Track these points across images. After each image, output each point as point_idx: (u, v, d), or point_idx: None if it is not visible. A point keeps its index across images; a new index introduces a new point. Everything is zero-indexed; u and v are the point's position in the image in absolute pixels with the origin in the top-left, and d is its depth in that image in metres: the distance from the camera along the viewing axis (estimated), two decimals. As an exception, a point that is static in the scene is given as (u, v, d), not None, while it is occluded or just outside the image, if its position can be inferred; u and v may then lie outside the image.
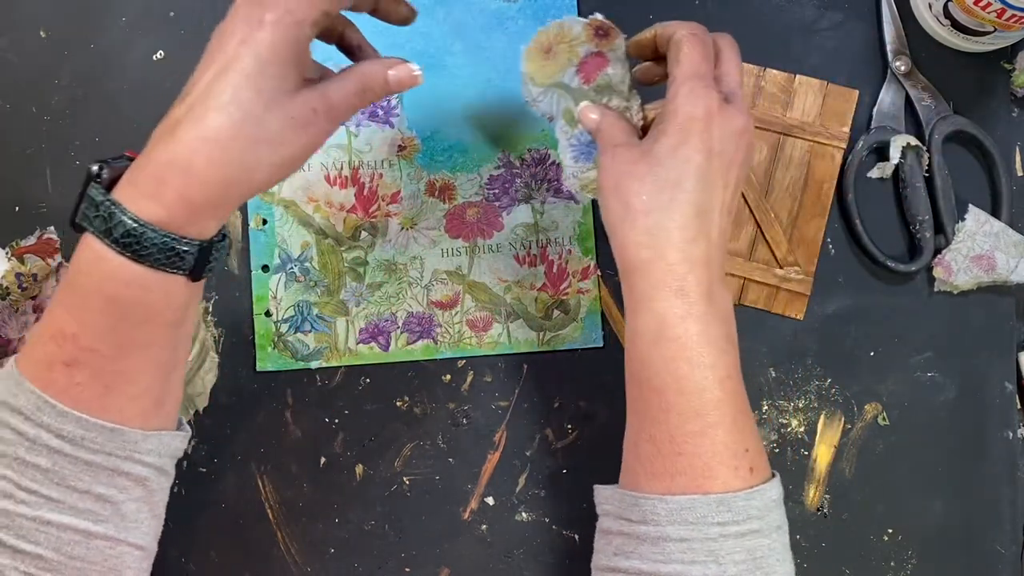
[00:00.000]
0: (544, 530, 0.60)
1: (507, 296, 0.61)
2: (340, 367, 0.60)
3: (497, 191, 0.62)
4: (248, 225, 0.61)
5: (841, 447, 0.61)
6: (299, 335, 0.60)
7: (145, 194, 0.41)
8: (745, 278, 0.61)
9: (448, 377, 0.61)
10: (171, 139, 0.41)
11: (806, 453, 0.61)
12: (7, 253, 0.60)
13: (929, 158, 0.61)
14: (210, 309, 0.60)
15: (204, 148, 0.41)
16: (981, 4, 0.57)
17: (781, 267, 0.61)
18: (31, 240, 0.60)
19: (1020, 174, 0.63)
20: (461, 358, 0.61)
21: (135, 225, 0.41)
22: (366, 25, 0.51)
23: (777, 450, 0.61)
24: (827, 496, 0.60)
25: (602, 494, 0.48)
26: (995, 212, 0.62)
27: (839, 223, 0.62)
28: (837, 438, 0.61)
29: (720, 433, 0.44)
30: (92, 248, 0.42)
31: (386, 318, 0.61)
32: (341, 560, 0.59)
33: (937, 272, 0.61)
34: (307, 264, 0.61)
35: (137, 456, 0.44)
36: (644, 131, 0.50)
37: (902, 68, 0.62)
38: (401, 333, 0.61)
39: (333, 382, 0.61)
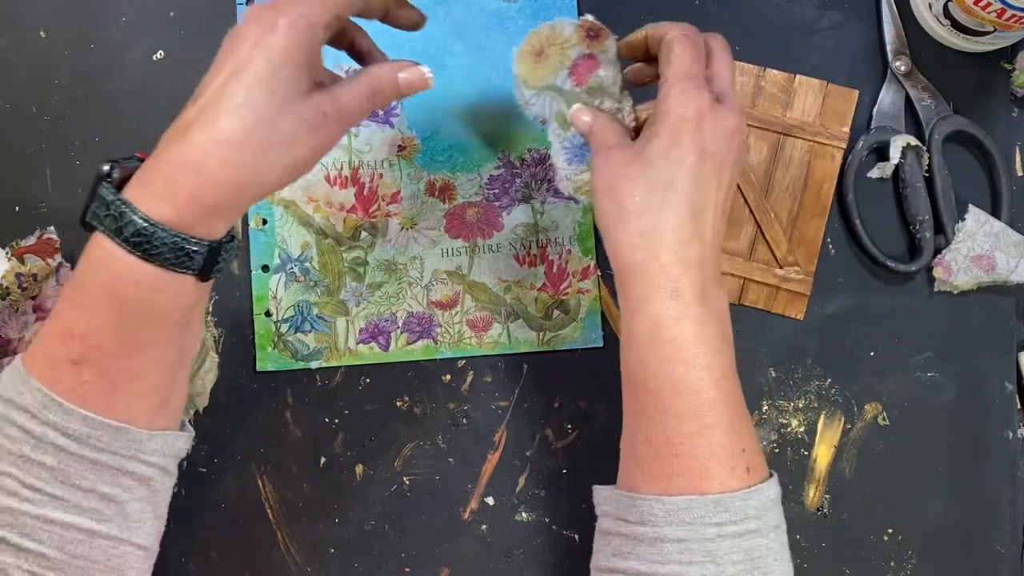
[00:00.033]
0: (544, 530, 0.60)
1: (507, 296, 0.61)
2: (340, 367, 0.60)
3: (497, 191, 0.62)
4: (248, 225, 0.61)
5: (841, 447, 0.61)
6: (299, 335, 0.60)
7: (156, 194, 0.41)
8: (745, 278, 0.61)
9: (448, 377, 0.61)
10: (183, 141, 0.42)
11: (806, 453, 0.61)
12: (7, 253, 0.60)
13: (929, 158, 0.61)
14: (210, 309, 0.60)
15: (216, 150, 0.41)
16: (981, 4, 0.57)
17: (781, 267, 0.61)
18: (31, 240, 0.60)
19: (1020, 174, 0.63)
20: (461, 358, 0.61)
21: (146, 224, 0.41)
22: (367, 24, 0.51)
23: (777, 450, 0.61)
24: (827, 496, 0.60)
25: (600, 495, 0.48)
26: (995, 212, 0.62)
27: (839, 223, 0.62)
28: (837, 438, 0.61)
29: (717, 434, 0.44)
30: (102, 247, 0.42)
31: (386, 318, 0.61)
32: (341, 560, 0.59)
33: (937, 272, 0.61)
34: (307, 264, 0.61)
35: (142, 456, 0.44)
36: (637, 132, 0.49)
37: (902, 68, 0.62)
38: (401, 333, 0.61)
39: (333, 382, 0.61)
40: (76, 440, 0.42)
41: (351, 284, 0.61)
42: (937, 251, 0.61)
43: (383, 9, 0.50)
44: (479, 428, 0.60)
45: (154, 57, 0.62)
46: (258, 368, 0.60)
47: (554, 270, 0.61)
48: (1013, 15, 0.56)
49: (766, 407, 0.61)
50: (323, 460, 0.60)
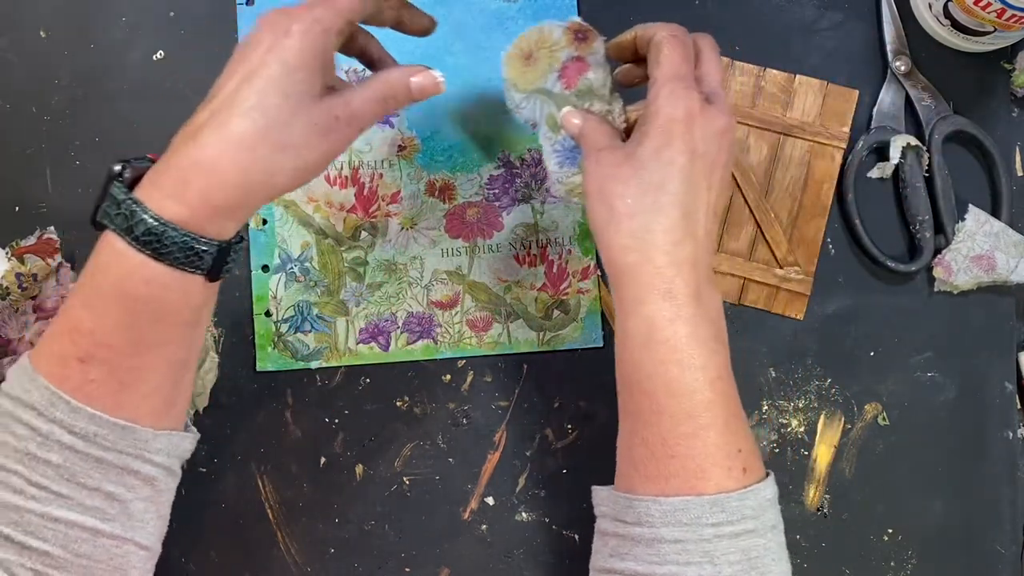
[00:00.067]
0: (544, 530, 0.60)
1: (507, 296, 0.61)
2: (340, 367, 0.60)
3: (497, 191, 0.62)
4: (248, 225, 0.61)
5: (841, 447, 0.61)
6: (299, 335, 0.60)
7: (167, 194, 0.42)
8: (745, 278, 0.61)
9: (448, 377, 0.61)
10: (194, 142, 0.42)
11: (806, 453, 0.61)
12: (7, 253, 0.60)
13: (929, 158, 0.61)
14: (210, 309, 0.60)
15: (228, 151, 0.42)
16: (981, 4, 0.57)
17: (781, 267, 0.61)
18: (31, 240, 0.60)
19: (1020, 174, 0.63)
20: (461, 358, 0.61)
21: (156, 223, 0.41)
22: (377, 31, 0.51)
23: (777, 450, 0.61)
24: (827, 496, 0.60)
25: (598, 496, 0.48)
26: (995, 212, 0.62)
27: (839, 223, 0.62)
28: (837, 438, 0.61)
29: (712, 434, 0.44)
30: (112, 246, 0.42)
31: (386, 318, 0.61)
32: (341, 560, 0.59)
33: (937, 272, 0.61)
34: (307, 264, 0.61)
35: (147, 455, 0.45)
36: (627, 133, 0.49)
37: (902, 68, 0.62)
38: (401, 333, 0.61)
39: (333, 382, 0.61)
40: (82, 438, 0.43)
41: (351, 284, 0.61)
42: (937, 251, 0.61)
43: (395, 17, 0.50)
44: (479, 428, 0.60)
45: (154, 57, 0.62)
46: (258, 368, 0.60)
47: (554, 270, 0.61)
48: (1013, 15, 0.56)
49: (766, 407, 0.61)
50: (323, 460, 0.60)
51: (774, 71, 0.62)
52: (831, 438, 0.61)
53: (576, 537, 0.59)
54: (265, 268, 0.61)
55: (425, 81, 0.47)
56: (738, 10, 0.63)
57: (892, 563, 0.60)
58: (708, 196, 0.46)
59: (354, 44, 0.51)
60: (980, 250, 0.60)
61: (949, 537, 0.60)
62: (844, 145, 0.62)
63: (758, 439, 0.60)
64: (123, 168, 0.43)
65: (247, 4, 0.62)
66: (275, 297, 0.61)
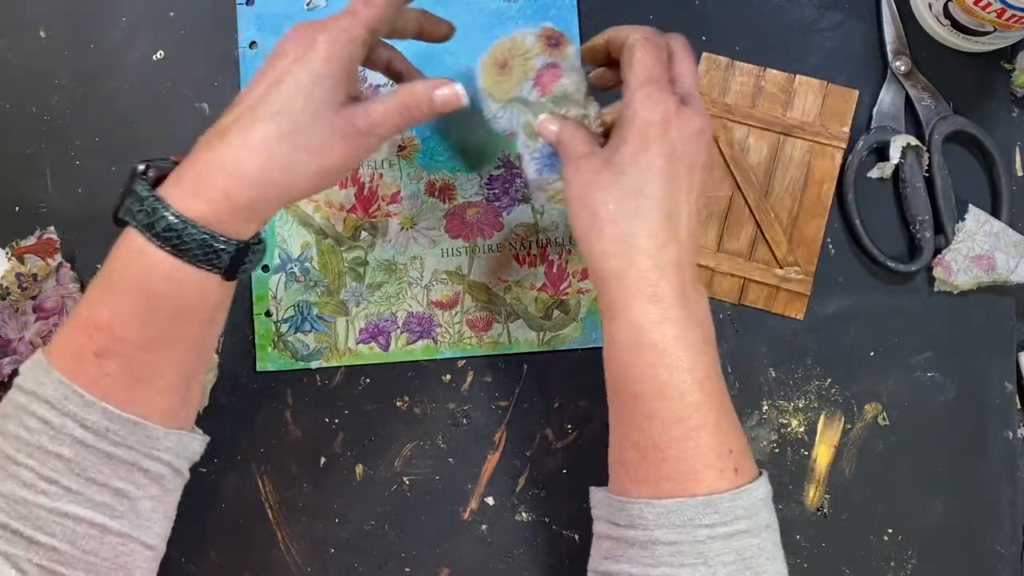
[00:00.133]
0: (544, 530, 0.60)
1: (507, 296, 0.61)
2: (340, 367, 0.60)
3: (497, 191, 0.62)
4: (248, 225, 0.61)
5: (841, 447, 0.61)
6: (299, 335, 0.60)
7: (189, 192, 0.43)
8: (745, 278, 0.61)
9: (448, 377, 0.61)
10: (219, 143, 0.44)
11: (806, 453, 0.61)
12: (7, 253, 0.60)
13: (929, 158, 0.61)
14: (210, 309, 0.60)
15: (250, 152, 0.43)
16: (981, 4, 0.57)
17: (781, 267, 0.61)
18: (31, 240, 0.60)
19: (1020, 174, 0.63)
20: (461, 358, 0.61)
21: (177, 220, 0.42)
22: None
23: (777, 450, 0.61)
24: (827, 496, 0.60)
25: (594, 497, 0.48)
26: (995, 212, 0.62)
27: (839, 223, 0.62)
28: (837, 438, 0.61)
29: (703, 436, 0.44)
30: (133, 242, 0.43)
31: (386, 318, 0.61)
32: (341, 560, 0.59)
33: (937, 272, 0.61)
34: (307, 264, 0.61)
35: (156, 453, 0.45)
36: (605, 135, 0.49)
37: (902, 68, 0.62)
38: (401, 333, 0.61)
39: (333, 382, 0.61)
40: (94, 432, 0.43)
41: (351, 284, 0.61)
42: (937, 251, 0.61)
43: (416, 28, 0.52)
44: (479, 428, 0.60)
45: (154, 57, 0.62)
46: (258, 368, 0.60)
47: (554, 270, 0.61)
48: (1013, 15, 0.56)
49: (766, 407, 0.61)
50: (323, 460, 0.60)
51: (774, 71, 0.62)
52: (831, 438, 0.61)
53: (576, 537, 0.59)
54: (265, 268, 0.61)
55: (448, 94, 0.48)
56: (738, 10, 0.63)
57: (892, 563, 0.60)
58: (689, 197, 0.46)
59: (378, 58, 0.53)
60: (980, 250, 0.60)
61: (949, 537, 0.60)
62: (844, 145, 0.62)
63: (758, 439, 0.60)
64: (147, 167, 0.45)
65: (247, 4, 0.62)
66: (275, 297, 0.61)
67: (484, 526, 0.60)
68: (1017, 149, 0.63)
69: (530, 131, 0.50)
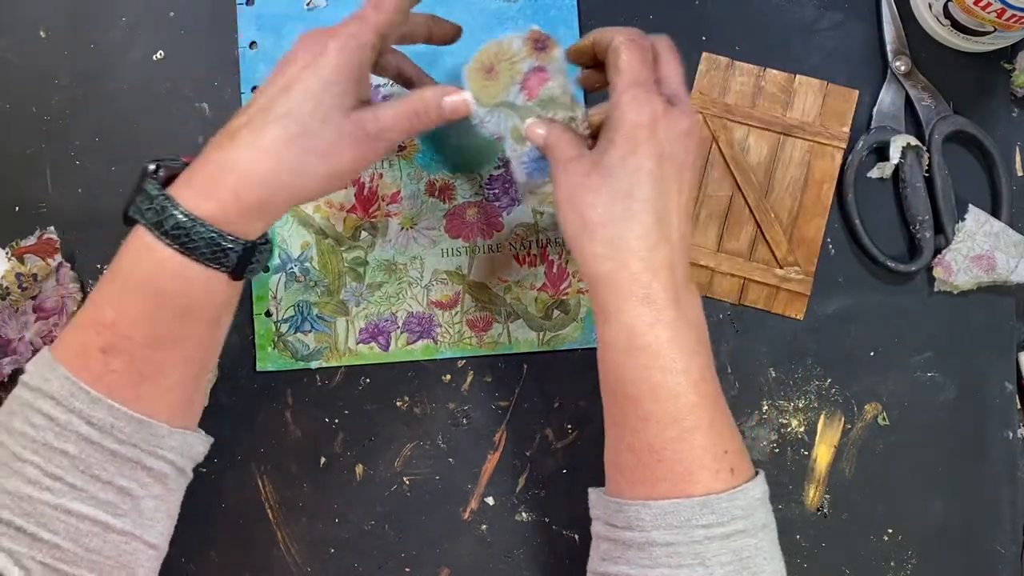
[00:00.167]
0: (544, 530, 0.60)
1: (507, 296, 0.61)
2: (340, 367, 0.60)
3: (497, 191, 0.62)
4: (248, 225, 0.61)
5: (841, 447, 0.61)
6: (299, 335, 0.60)
7: (198, 192, 0.44)
8: (745, 278, 0.61)
9: (448, 377, 0.61)
10: (228, 145, 0.44)
11: (806, 453, 0.61)
12: (7, 253, 0.60)
13: (929, 158, 0.61)
14: (210, 309, 0.60)
15: (259, 153, 0.44)
16: (981, 4, 0.57)
17: (781, 267, 0.61)
18: (31, 240, 0.60)
19: (1020, 174, 0.63)
20: (461, 358, 0.61)
21: (186, 219, 0.43)
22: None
23: (777, 450, 0.61)
24: (827, 496, 0.60)
25: (592, 498, 0.48)
26: (995, 212, 0.62)
27: (839, 223, 0.62)
28: (837, 438, 0.61)
29: (698, 437, 0.44)
30: (142, 240, 0.44)
31: (386, 318, 0.61)
32: (341, 560, 0.59)
33: (937, 272, 0.61)
34: (307, 264, 0.61)
35: (160, 452, 0.45)
36: (593, 136, 0.50)
37: (902, 68, 0.62)
38: (401, 333, 0.61)
39: (333, 382, 0.61)
40: (99, 429, 0.43)
41: (351, 284, 0.61)
42: (937, 251, 0.61)
43: (426, 33, 0.53)
44: (479, 428, 0.60)
45: (154, 57, 0.62)
46: (258, 368, 0.60)
47: (554, 270, 0.61)
48: (1013, 15, 0.56)
49: (766, 407, 0.61)
50: (323, 460, 0.60)
51: (774, 71, 0.62)
52: (831, 438, 0.61)
53: (576, 537, 0.59)
54: (265, 268, 0.61)
55: (457, 101, 0.48)
56: (738, 10, 0.63)
57: (892, 563, 0.60)
58: (679, 198, 0.46)
59: (388, 64, 0.53)
60: (980, 250, 0.60)
61: (949, 537, 0.60)
62: (844, 145, 0.62)
63: (758, 439, 0.60)
64: (157, 167, 0.45)
65: (247, 4, 0.62)
66: (275, 297, 0.61)
67: (484, 526, 0.60)
68: (1017, 149, 0.63)
69: (518, 135, 0.50)
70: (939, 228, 0.61)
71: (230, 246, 0.44)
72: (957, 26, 0.60)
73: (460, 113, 0.49)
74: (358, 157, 0.46)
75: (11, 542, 0.42)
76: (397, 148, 0.62)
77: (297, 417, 0.60)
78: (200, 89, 0.62)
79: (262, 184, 0.44)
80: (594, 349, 0.60)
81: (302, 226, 0.61)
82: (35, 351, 0.59)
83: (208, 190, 0.44)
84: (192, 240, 0.43)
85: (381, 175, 0.61)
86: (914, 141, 0.61)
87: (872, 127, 0.62)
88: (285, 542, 0.59)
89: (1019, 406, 0.62)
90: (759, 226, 0.61)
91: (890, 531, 0.60)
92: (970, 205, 0.61)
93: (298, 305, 0.61)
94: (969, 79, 0.63)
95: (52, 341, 0.56)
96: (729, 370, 0.61)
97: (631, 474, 0.45)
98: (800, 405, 0.61)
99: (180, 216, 0.43)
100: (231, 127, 0.45)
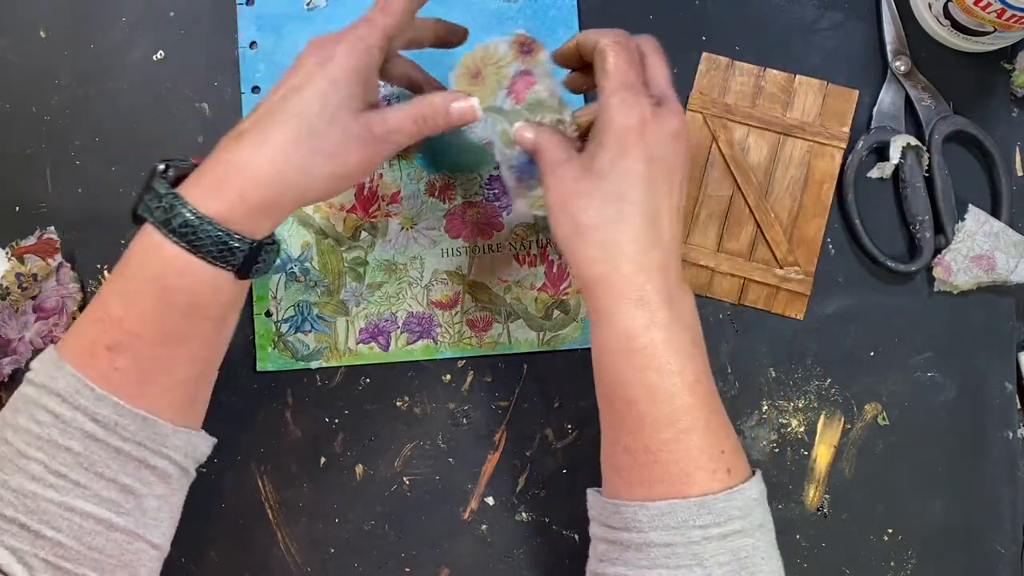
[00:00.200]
0: (544, 530, 0.60)
1: (507, 296, 0.61)
2: (340, 367, 0.60)
3: (497, 191, 0.62)
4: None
5: (841, 447, 0.61)
6: (299, 335, 0.60)
7: (206, 191, 0.44)
8: (745, 278, 0.61)
9: (448, 377, 0.61)
10: (236, 145, 0.45)
11: (806, 453, 0.61)
12: (7, 253, 0.60)
13: (929, 158, 0.61)
14: (210, 309, 0.60)
15: (267, 154, 0.44)
16: (981, 4, 0.57)
17: (781, 267, 0.61)
18: (31, 240, 0.60)
19: (1020, 174, 0.63)
20: (461, 358, 0.61)
21: (193, 217, 0.43)
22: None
23: (777, 450, 0.61)
24: (827, 496, 0.60)
25: (589, 499, 0.48)
26: (995, 212, 0.62)
27: (839, 223, 0.62)
28: (837, 438, 0.61)
29: (694, 438, 0.44)
30: (150, 237, 0.44)
31: (386, 318, 0.61)
32: (341, 560, 0.59)
33: (937, 272, 0.61)
34: (307, 264, 0.61)
35: (164, 451, 0.46)
36: (582, 137, 0.50)
37: (902, 68, 0.62)
38: (401, 333, 0.61)
39: (333, 382, 0.61)
40: (104, 427, 0.44)
41: (351, 284, 0.61)
42: (937, 251, 0.61)
43: (433, 36, 0.53)
44: (479, 428, 0.60)
45: (154, 57, 0.62)
46: (258, 368, 0.60)
47: (554, 270, 0.61)
48: (1013, 15, 0.56)
49: (766, 407, 0.61)
50: (323, 460, 0.60)
51: (774, 71, 0.62)
52: (831, 438, 0.61)
53: (576, 537, 0.59)
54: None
55: (464, 107, 0.49)
56: (738, 10, 0.63)
57: (892, 563, 0.60)
58: (670, 199, 0.46)
59: (398, 71, 0.54)
60: (980, 250, 0.60)
61: (949, 537, 0.60)
62: (844, 145, 0.62)
63: (758, 439, 0.60)
64: (167, 167, 0.46)
65: (247, 4, 0.62)
66: (275, 297, 0.61)
67: (484, 526, 0.60)
68: (1017, 149, 0.63)
69: (506, 139, 0.50)
70: (939, 228, 0.61)
71: (237, 245, 0.44)
72: (957, 26, 0.60)
73: (468, 119, 0.49)
74: (364, 158, 0.47)
75: (14, 539, 0.42)
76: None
77: (297, 417, 0.60)
78: (200, 89, 0.62)
79: (269, 185, 0.44)
80: (594, 349, 0.61)
81: (302, 226, 0.61)
82: (35, 351, 0.59)
83: (216, 190, 0.44)
84: (199, 238, 0.44)
85: (381, 175, 0.61)
86: (914, 141, 0.61)
87: (872, 127, 0.62)
88: (285, 542, 0.59)
89: (1019, 406, 0.62)
90: (759, 226, 0.61)
91: (890, 531, 0.60)
92: (970, 205, 0.61)
93: (298, 305, 0.61)
94: (969, 79, 0.63)
95: (52, 341, 0.57)
96: (729, 370, 0.61)
97: (628, 475, 0.45)
98: (800, 405, 0.61)
99: (188, 214, 0.43)
100: (239, 128, 0.46)
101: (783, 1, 0.63)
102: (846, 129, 0.62)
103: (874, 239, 0.61)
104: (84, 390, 0.44)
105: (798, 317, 0.61)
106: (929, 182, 0.61)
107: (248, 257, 0.45)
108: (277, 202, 0.45)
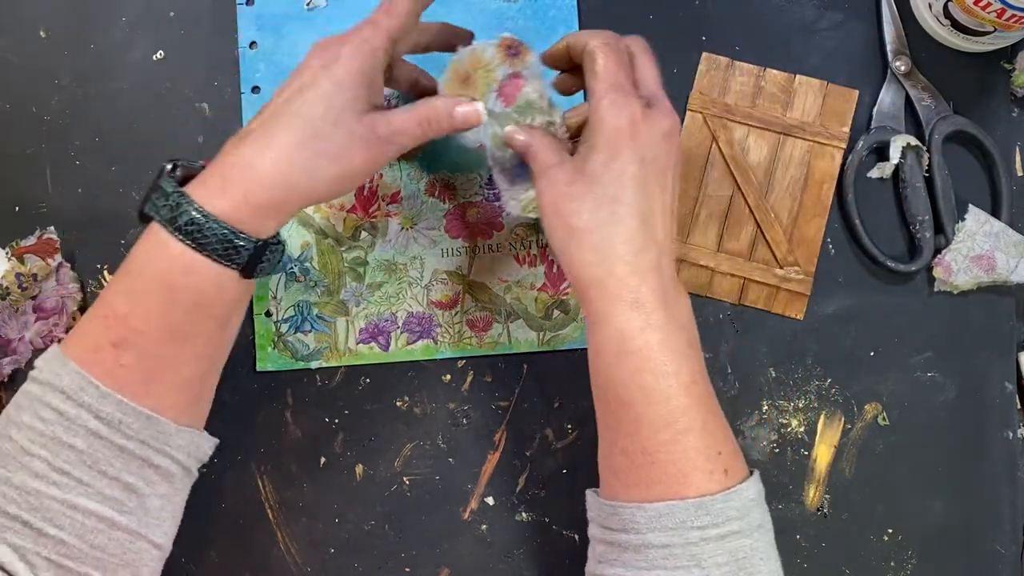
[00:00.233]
0: (544, 530, 0.60)
1: (507, 296, 0.61)
2: (340, 367, 0.60)
3: (497, 191, 0.61)
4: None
5: (841, 447, 0.61)
6: (299, 335, 0.60)
7: (212, 191, 0.45)
8: (745, 278, 0.61)
9: (448, 377, 0.61)
10: (242, 146, 0.45)
11: (806, 453, 0.61)
12: (7, 253, 0.60)
13: (929, 158, 0.61)
14: (210, 309, 0.60)
15: (272, 155, 0.45)
16: (981, 4, 0.57)
17: (781, 267, 0.61)
18: (31, 240, 0.60)
19: (1020, 174, 0.63)
20: (461, 358, 0.61)
21: (199, 215, 0.44)
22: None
23: (777, 450, 0.61)
24: (827, 496, 0.60)
25: (588, 500, 0.49)
26: (995, 212, 0.62)
27: (839, 223, 0.62)
28: (837, 438, 0.61)
29: (691, 439, 0.44)
30: (156, 235, 0.45)
31: (386, 318, 0.61)
32: (341, 560, 0.59)
33: (937, 272, 0.61)
34: (307, 264, 0.61)
35: (168, 450, 0.46)
36: (573, 137, 0.50)
37: (902, 68, 0.62)
38: (401, 333, 0.61)
39: (333, 382, 0.61)
40: (107, 424, 0.44)
41: (351, 284, 0.61)
42: (937, 251, 0.61)
43: (439, 39, 0.53)
44: (479, 428, 0.60)
45: (154, 57, 0.62)
46: (258, 368, 0.60)
47: (554, 270, 0.61)
48: (1013, 15, 0.56)
49: (766, 407, 0.61)
50: (323, 460, 0.60)
51: (774, 71, 0.62)
52: (831, 438, 0.61)
53: (576, 537, 0.59)
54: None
55: (468, 111, 0.49)
56: (738, 10, 0.63)
57: (892, 563, 0.60)
58: (663, 199, 0.46)
59: (403, 76, 0.54)
60: (980, 250, 0.60)
61: (949, 537, 0.60)
62: (844, 145, 0.62)
63: (758, 439, 0.60)
64: (175, 166, 0.46)
65: (247, 4, 0.62)
66: (275, 297, 0.61)
67: (484, 526, 0.60)
68: (1017, 149, 0.63)
69: (498, 142, 0.50)
70: (939, 228, 0.61)
71: (242, 243, 0.45)
72: (957, 26, 0.60)
73: (471, 123, 0.49)
74: (369, 160, 0.47)
75: (17, 537, 0.42)
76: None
77: (297, 417, 0.60)
78: (200, 89, 0.62)
79: (273, 185, 0.45)
80: (594, 349, 0.61)
81: (302, 226, 0.61)
82: (35, 351, 0.59)
83: (221, 189, 0.45)
84: (205, 236, 0.44)
85: (381, 175, 0.61)
86: (914, 141, 0.61)
87: (872, 127, 0.62)
88: (285, 542, 0.59)
89: (1019, 406, 0.62)
90: (759, 226, 0.61)
91: (890, 531, 0.60)
92: (970, 205, 0.61)
93: (298, 305, 0.61)
94: (969, 79, 0.63)
95: (52, 341, 0.57)
96: (729, 370, 0.61)
97: (625, 477, 0.45)
98: (800, 405, 0.61)
99: (194, 212, 0.44)
100: (246, 129, 0.46)
101: (783, 1, 0.63)
102: (846, 129, 0.62)
103: (874, 239, 0.61)
104: (88, 387, 0.44)
105: (798, 317, 0.61)
106: (929, 182, 0.61)
107: (253, 256, 0.46)
108: (282, 203, 0.46)
